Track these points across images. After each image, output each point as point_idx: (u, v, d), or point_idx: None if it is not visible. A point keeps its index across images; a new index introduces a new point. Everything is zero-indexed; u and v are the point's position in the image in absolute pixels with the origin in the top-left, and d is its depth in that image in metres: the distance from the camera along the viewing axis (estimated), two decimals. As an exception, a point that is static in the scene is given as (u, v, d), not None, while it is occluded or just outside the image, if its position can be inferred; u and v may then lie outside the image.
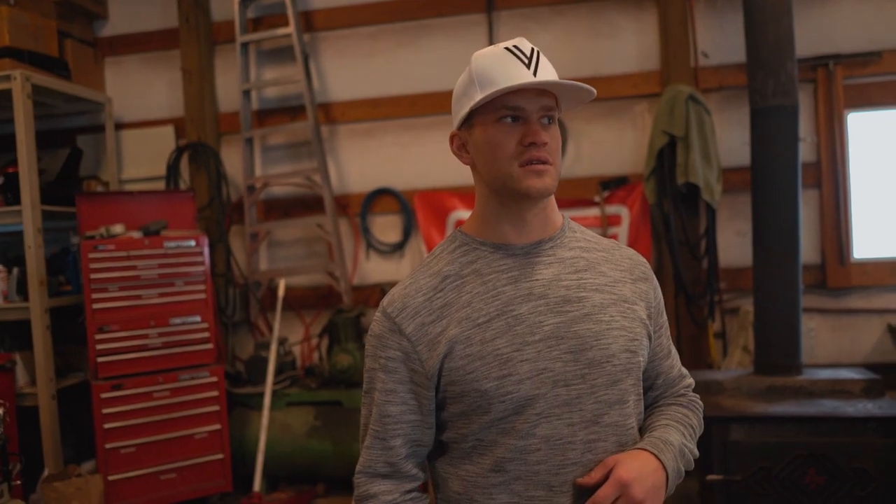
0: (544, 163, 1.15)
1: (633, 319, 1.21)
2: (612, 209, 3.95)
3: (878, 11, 3.76)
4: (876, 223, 3.85)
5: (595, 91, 1.19)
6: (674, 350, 1.37)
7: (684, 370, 1.39)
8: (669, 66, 3.86)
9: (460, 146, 1.23)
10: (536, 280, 1.18)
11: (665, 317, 1.34)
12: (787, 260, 3.31)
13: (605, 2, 4.02)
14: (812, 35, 3.74)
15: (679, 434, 1.24)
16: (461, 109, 1.19)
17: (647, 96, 3.98)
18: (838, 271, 3.78)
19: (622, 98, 4.00)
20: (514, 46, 1.15)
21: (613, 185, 3.96)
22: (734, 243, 3.87)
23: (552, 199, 1.25)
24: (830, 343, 3.81)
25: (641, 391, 1.25)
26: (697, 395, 1.37)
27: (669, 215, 3.68)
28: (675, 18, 3.85)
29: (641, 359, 1.22)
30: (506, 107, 1.13)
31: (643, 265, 1.30)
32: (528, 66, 1.13)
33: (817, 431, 2.74)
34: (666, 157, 3.66)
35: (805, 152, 3.67)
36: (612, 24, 4.02)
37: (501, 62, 1.14)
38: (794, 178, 3.34)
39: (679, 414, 1.29)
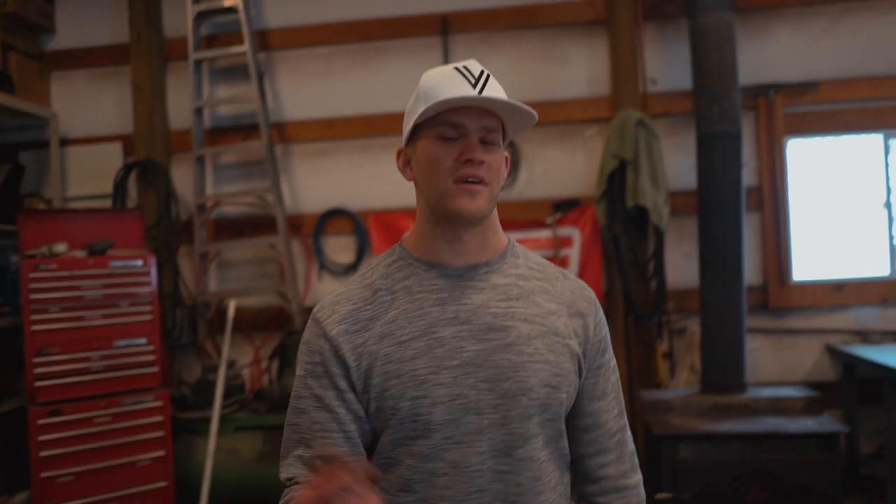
0: (479, 182, 1.13)
1: (560, 353, 1.18)
2: (564, 231, 4.01)
3: (814, 43, 3.94)
4: (814, 246, 4.00)
5: (536, 115, 1.17)
6: (615, 405, 1.27)
7: (631, 446, 1.28)
8: (619, 91, 3.97)
9: (405, 162, 1.23)
10: (464, 304, 1.17)
11: (608, 358, 1.27)
12: (732, 281, 3.41)
13: (558, 28, 4.12)
14: (754, 64, 3.89)
15: None
16: (408, 125, 1.20)
17: (597, 121, 4.07)
18: (779, 292, 3.91)
19: (574, 122, 4.09)
20: (465, 67, 1.16)
21: (565, 207, 4.02)
22: (681, 265, 3.96)
23: (493, 221, 1.22)
24: (772, 362, 3.91)
25: (562, 428, 1.22)
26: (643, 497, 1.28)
27: (619, 237, 3.76)
28: (625, 46, 3.96)
29: (564, 395, 1.18)
30: (447, 123, 1.13)
31: (586, 300, 1.25)
32: (473, 86, 1.13)
33: (761, 448, 2.81)
34: (616, 180, 3.75)
35: (747, 177, 3.80)
36: (564, 49, 4.12)
37: (448, 80, 1.15)
38: (738, 201, 3.46)
39: None
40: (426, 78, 1.18)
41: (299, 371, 1.21)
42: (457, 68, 1.16)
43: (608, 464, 1.25)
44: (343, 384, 1.16)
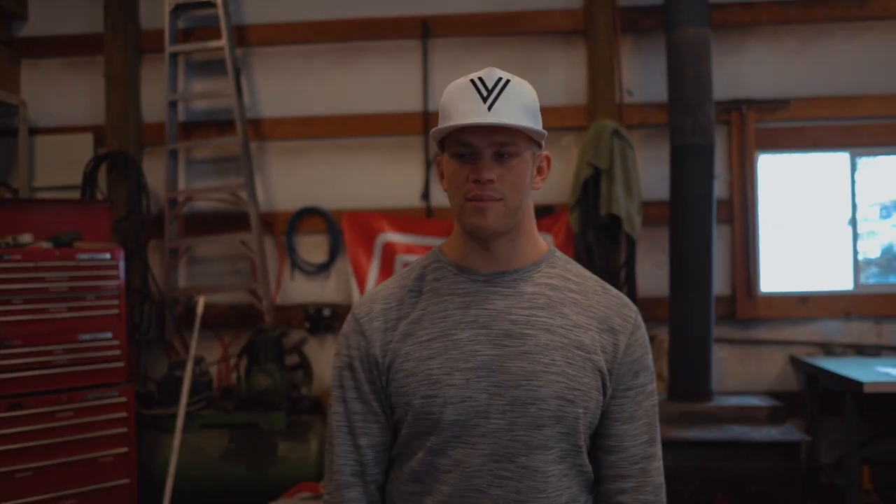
0: (490, 199, 1.14)
1: (581, 368, 1.16)
2: (537, 237, 4.03)
3: (787, 62, 4.03)
4: (781, 259, 4.08)
5: (544, 132, 1.17)
6: (645, 431, 1.22)
7: (657, 478, 1.22)
8: (596, 101, 4.01)
9: (441, 173, 1.24)
10: (486, 309, 1.18)
11: (642, 382, 1.22)
12: (701, 292, 3.46)
13: (538, 36, 4.15)
14: (728, 80, 3.96)
15: None
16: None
17: (573, 129, 4.10)
18: (746, 303, 3.98)
19: (550, 129, 4.07)
20: (479, 78, 1.15)
21: (540, 214, 4.04)
22: (652, 274, 4.01)
23: (525, 230, 1.22)
24: (738, 372, 3.98)
25: (580, 445, 1.18)
26: None
27: (592, 245, 3.79)
28: (603, 56, 4.00)
29: (581, 410, 1.15)
30: (459, 142, 1.15)
31: (622, 318, 1.22)
32: (484, 101, 1.13)
33: (725, 456, 2.86)
34: (590, 188, 3.78)
35: (718, 189, 3.86)
36: (543, 58, 4.15)
37: (460, 95, 1.15)
38: (709, 213, 3.52)
39: None
40: (445, 93, 1.19)
41: (337, 362, 1.26)
42: (472, 80, 1.15)
43: (626, 491, 1.21)
44: (375, 378, 1.22)
